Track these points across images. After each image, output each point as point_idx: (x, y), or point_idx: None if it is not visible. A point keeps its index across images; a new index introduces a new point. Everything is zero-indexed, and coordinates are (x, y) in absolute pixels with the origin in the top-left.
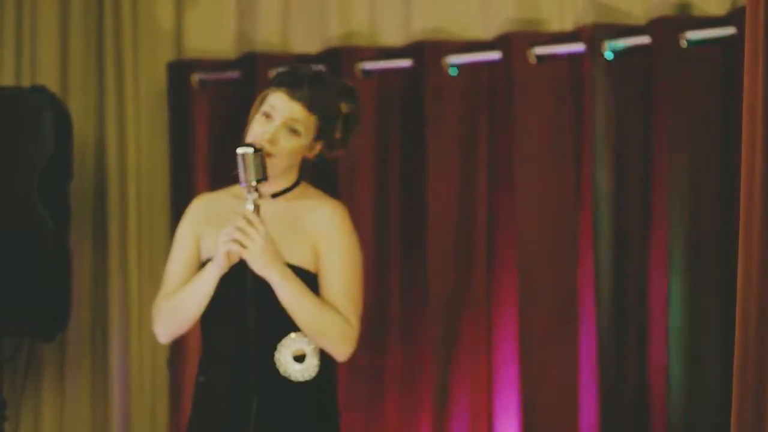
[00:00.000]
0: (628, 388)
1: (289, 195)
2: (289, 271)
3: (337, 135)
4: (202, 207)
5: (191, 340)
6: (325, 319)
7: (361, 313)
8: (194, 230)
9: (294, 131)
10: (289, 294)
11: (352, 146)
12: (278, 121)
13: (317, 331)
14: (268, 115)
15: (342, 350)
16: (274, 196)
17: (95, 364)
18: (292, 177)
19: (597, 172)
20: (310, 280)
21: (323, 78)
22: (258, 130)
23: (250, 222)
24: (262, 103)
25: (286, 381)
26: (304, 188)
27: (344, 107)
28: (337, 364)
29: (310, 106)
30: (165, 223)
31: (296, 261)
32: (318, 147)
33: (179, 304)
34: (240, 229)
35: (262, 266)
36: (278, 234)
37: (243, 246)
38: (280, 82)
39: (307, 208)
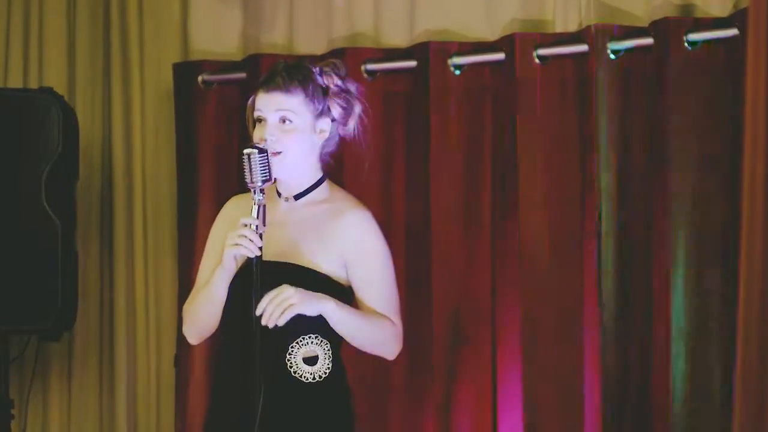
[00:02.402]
0: (632, 388)
1: (312, 195)
2: (330, 299)
3: (336, 104)
4: (232, 209)
5: None
6: (377, 328)
7: (399, 310)
8: (224, 233)
9: (286, 120)
10: (339, 319)
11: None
12: (269, 117)
13: (374, 341)
14: (260, 119)
15: (393, 350)
16: (297, 198)
17: (102, 362)
18: (312, 174)
19: (601, 172)
20: (342, 292)
21: (297, 63)
22: (257, 135)
23: (280, 291)
24: (252, 112)
25: (297, 382)
26: (328, 188)
27: (329, 80)
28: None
29: (287, 88)
30: (171, 222)
31: (326, 270)
32: (325, 125)
33: (198, 309)
34: (275, 298)
35: (309, 309)
36: (304, 239)
37: (289, 306)
38: (258, 86)
39: (332, 215)
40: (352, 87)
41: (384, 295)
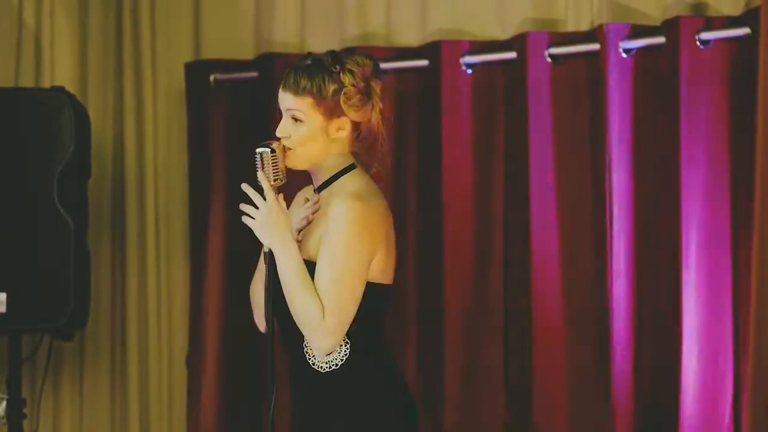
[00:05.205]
0: (644, 387)
1: (331, 188)
2: (290, 244)
3: (350, 106)
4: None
5: (209, 337)
6: (304, 304)
7: (345, 314)
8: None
9: (296, 119)
10: (281, 264)
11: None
12: (284, 114)
13: (297, 314)
14: (281, 113)
15: (315, 342)
16: (318, 190)
17: (114, 362)
18: (330, 168)
19: (612, 171)
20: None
21: (314, 60)
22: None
23: (255, 194)
24: None
25: (315, 372)
26: (346, 181)
27: (346, 79)
28: (379, 351)
29: (296, 89)
30: (183, 221)
31: (306, 256)
32: (343, 125)
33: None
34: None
35: (262, 236)
36: (308, 231)
37: (251, 218)
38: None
39: (330, 204)
40: (376, 87)
41: (328, 281)
